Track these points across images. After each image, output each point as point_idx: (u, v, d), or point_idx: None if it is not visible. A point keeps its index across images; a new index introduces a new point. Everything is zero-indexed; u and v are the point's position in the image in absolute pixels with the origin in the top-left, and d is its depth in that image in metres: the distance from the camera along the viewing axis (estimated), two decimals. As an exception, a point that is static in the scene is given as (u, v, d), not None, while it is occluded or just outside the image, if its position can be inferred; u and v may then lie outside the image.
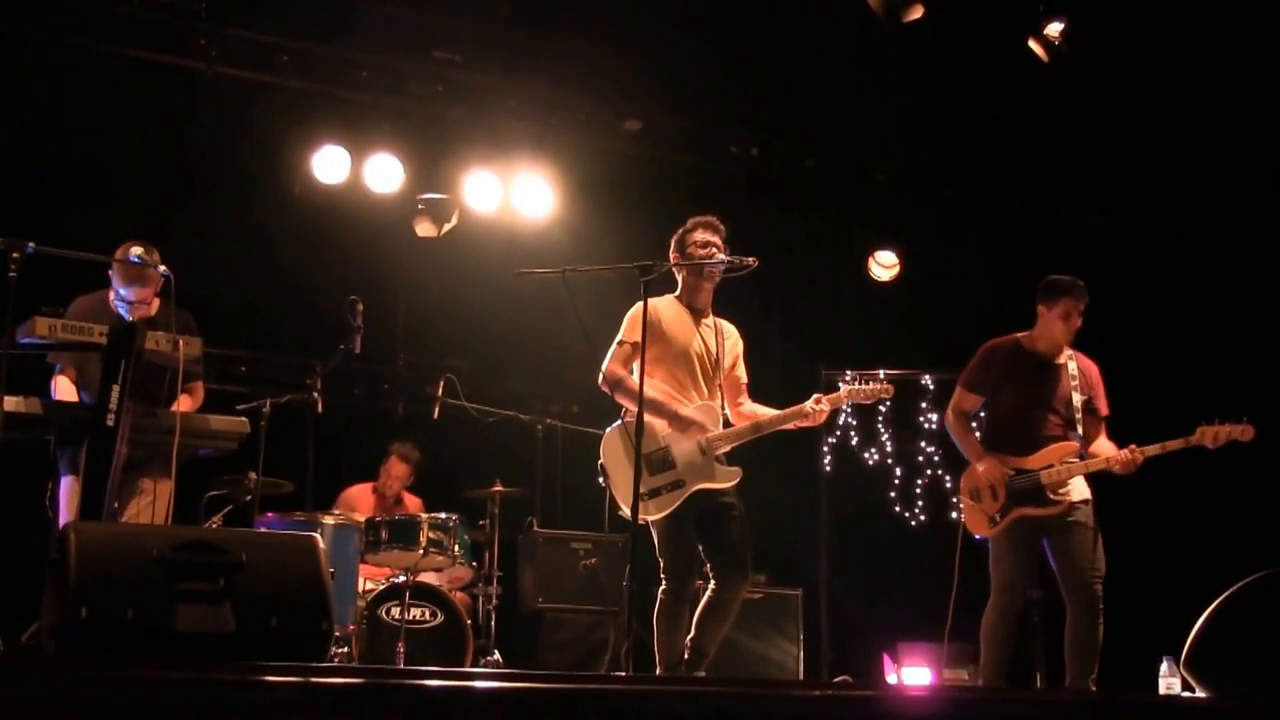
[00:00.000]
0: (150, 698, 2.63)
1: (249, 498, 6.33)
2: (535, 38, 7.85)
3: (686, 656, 5.06)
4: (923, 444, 8.60)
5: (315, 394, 6.49)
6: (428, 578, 6.61)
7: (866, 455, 8.62)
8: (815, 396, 5.26)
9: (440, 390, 7.24)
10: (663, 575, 5.11)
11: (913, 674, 7.58)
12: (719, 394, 5.33)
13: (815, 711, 3.29)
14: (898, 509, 8.61)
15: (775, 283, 6.27)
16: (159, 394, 5.15)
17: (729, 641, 5.49)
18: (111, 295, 5.50)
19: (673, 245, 5.37)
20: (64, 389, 5.33)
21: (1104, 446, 5.58)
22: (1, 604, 5.25)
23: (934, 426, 8.40)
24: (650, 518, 5.08)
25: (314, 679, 2.86)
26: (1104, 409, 5.71)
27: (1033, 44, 7.24)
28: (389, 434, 7.81)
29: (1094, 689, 5.35)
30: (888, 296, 8.93)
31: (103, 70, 7.15)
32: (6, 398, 4.66)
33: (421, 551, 6.30)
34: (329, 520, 6.47)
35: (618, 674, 5.65)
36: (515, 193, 8.16)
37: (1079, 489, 5.54)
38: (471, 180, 8.06)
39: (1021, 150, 8.51)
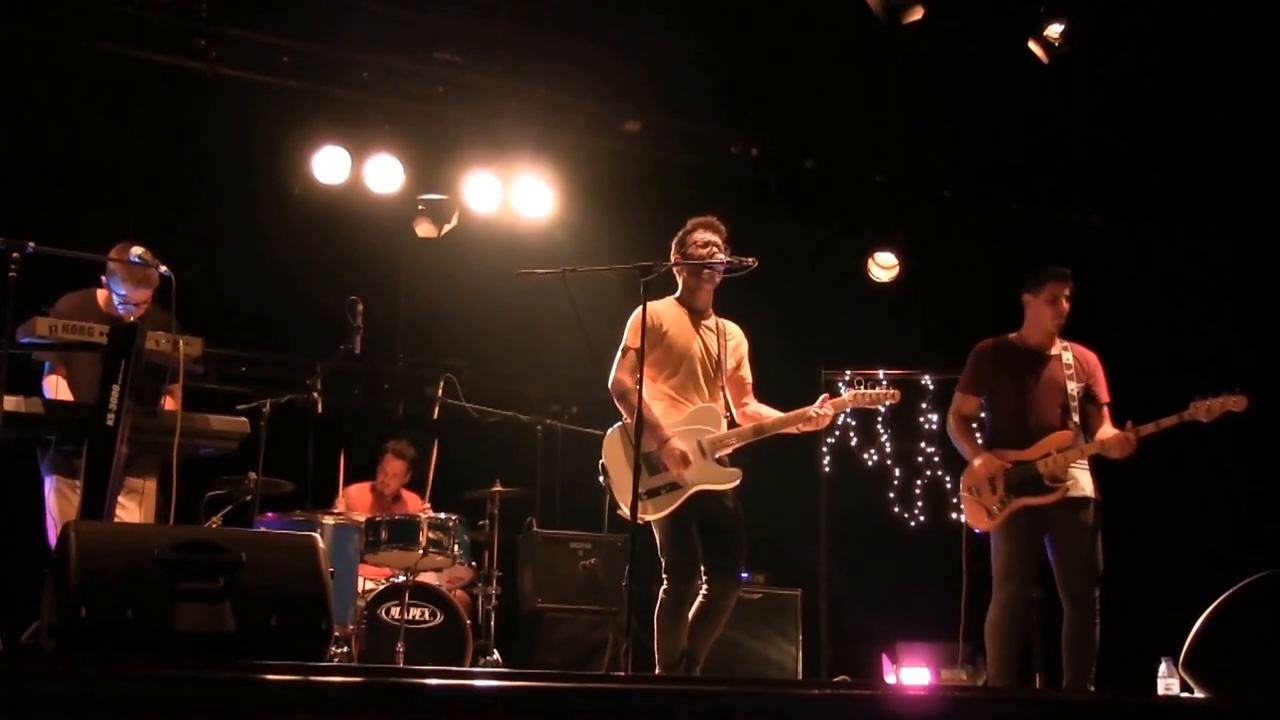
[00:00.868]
0: (150, 697, 2.64)
1: (249, 498, 6.34)
2: (535, 38, 7.86)
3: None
4: (922, 445, 8.59)
5: (315, 394, 6.51)
6: (427, 577, 6.61)
7: (866, 456, 8.61)
8: (821, 398, 5.25)
9: (440, 390, 7.25)
10: (665, 575, 5.11)
11: (911, 674, 7.58)
12: (721, 395, 5.33)
13: (814, 711, 3.29)
14: (897, 509, 8.60)
15: (775, 283, 6.25)
16: (147, 395, 5.13)
17: (729, 641, 5.51)
18: (100, 293, 5.46)
19: (673, 246, 5.38)
20: (59, 388, 5.30)
21: (1108, 434, 5.53)
22: (2, 604, 5.24)
23: (934, 427, 8.39)
24: (649, 518, 5.08)
25: (313, 678, 2.87)
26: (1104, 395, 5.68)
27: (1033, 45, 7.24)
28: (389, 434, 7.81)
29: (1093, 689, 5.35)
30: (888, 297, 8.92)
31: (103, 70, 7.14)
32: (6, 398, 4.66)
33: (421, 551, 6.30)
34: (329, 520, 6.49)
35: (617, 674, 5.65)
36: (515, 193, 8.14)
37: (1083, 484, 5.51)
38: (471, 181, 8.05)
39: (1021, 150, 8.51)
